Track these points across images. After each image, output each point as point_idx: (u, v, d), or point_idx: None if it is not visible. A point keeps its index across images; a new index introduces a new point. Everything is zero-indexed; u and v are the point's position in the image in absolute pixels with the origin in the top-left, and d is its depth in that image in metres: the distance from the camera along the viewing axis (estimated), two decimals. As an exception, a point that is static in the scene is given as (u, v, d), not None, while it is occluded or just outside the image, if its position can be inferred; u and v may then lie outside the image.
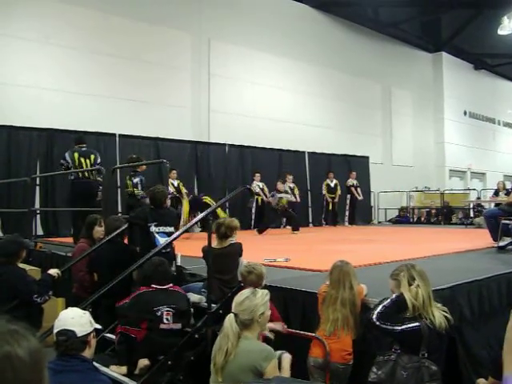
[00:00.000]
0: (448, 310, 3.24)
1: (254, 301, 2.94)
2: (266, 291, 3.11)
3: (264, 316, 2.99)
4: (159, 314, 3.86)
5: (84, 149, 7.82)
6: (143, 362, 3.82)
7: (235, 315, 2.92)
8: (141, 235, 5.02)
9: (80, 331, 2.60)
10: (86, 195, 7.41)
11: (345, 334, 3.49)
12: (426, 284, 3.15)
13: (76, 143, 7.96)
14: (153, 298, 3.93)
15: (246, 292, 3.03)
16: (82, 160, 7.63)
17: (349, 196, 14.63)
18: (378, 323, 3.08)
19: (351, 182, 14.75)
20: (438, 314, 3.08)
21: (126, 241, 5.31)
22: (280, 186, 12.22)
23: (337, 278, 3.63)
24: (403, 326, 3.03)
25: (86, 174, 7.58)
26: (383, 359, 3.09)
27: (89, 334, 2.65)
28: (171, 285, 4.09)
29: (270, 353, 2.89)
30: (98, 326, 2.86)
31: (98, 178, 7.48)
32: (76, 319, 2.64)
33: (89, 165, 7.63)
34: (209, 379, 2.99)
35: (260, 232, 11.41)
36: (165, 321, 3.86)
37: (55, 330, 2.65)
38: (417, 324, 3.03)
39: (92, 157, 7.74)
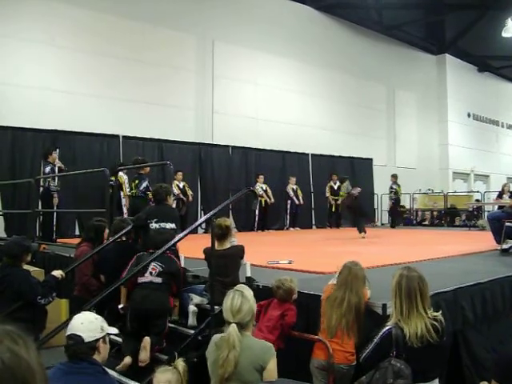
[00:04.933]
0: (451, 313, 3.22)
1: (250, 301, 2.96)
2: (245, 286, 3.22)
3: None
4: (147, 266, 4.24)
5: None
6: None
7: (236, 324, 2.87)
8: (143, 233, 5.07)
9: (88, 337, 2.61)
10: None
11: (348, 338, 3.48)
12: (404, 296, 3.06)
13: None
14: (146, 256, 4.37)
15: (235, 297, 2.94)
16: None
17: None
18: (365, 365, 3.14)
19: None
20: (421, 326, 2.97)
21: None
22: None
23: (344, 279, 3.60)
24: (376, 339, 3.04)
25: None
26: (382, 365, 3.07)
27: (97, 339, 2.65)
28: (168, 252, 4.40)
29: (270, 348, 2.91)
30: (112, 331, 2.87)
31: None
32: (85, 324, 2.65)
33: None
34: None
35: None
36: (147, 274, 4.21)
37: (66, 333, 2.69)
38: (388, 328, 3.02)
39: None
